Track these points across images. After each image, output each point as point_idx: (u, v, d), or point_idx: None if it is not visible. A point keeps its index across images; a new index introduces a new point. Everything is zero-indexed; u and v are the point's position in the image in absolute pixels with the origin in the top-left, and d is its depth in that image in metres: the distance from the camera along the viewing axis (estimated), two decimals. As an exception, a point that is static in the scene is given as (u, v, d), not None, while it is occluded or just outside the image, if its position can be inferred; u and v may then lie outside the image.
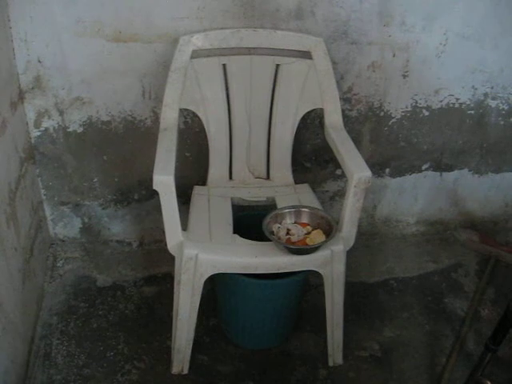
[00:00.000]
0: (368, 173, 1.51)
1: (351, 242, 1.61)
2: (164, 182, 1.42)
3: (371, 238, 2.30)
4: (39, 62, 1.75)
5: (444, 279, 2.12)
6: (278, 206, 1.70)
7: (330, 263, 1.54)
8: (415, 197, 2.27)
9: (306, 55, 1.76)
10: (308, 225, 1.59)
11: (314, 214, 1.60)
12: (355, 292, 2.02)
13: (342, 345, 1.72)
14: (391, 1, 1.80)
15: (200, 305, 1.59)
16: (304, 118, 1.87)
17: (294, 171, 1.90)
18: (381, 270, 2.15)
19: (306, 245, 1.51)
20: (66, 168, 1.97)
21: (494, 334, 1.23)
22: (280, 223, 1.58)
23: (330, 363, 1.74)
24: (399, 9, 1.82)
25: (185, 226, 1.60)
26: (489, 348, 1.25)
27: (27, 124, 1.85)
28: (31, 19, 1.68)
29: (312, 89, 1.79)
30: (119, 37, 1.75)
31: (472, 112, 2.08)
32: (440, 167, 2.20)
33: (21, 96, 1.78)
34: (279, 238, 1.53)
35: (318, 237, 1.53)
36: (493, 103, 2.08)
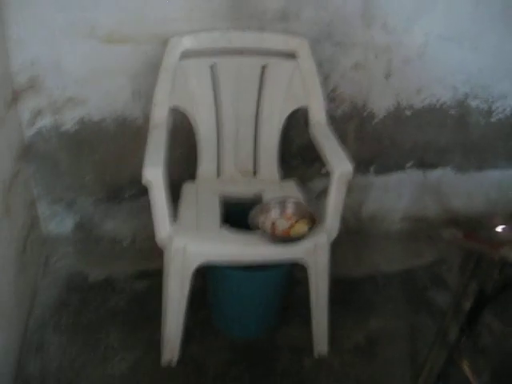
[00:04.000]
0: (350, 166, 1.56)
1: (334, 234, 1.66)
2: (153, 173, 1.46)
3: (358, 234, 2.35)
4: (33, 63, 1.80)
5: (428, 274, 2.18)
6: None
7: (313, 254, 1.60)
8: (400, 194, 2.33)
9: (291, 56, 1.83)
10: (292, 217, 1.64)
11: (298, 207, 1.66)
12: (341, 286, 2.06)
13: (326, 335, 1.76)
14: (373, 4, 1.88)
15: (191, 298, 1.64)
16: (290, 118, 1.93)
17: (281, 170, 1.95)
18: (367, 265, 2.21)
19: (289, 235, 1.57)
20: (58, 167, 2.02)
21: (468, 318, 1.29)
22: (266, 216, 1.63)
23: (316, 354, 1.78)
24: (381, 11, 1.90)
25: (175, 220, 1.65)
26: (464, 331, 1.31)
27: (20, 124, 1.90)
28: (26, 21, 1.74)
29: (297, 88, 1.85)
30: (111, 38, 1.81)
31: (453, 112, 2.15)
32: (423, 165, 2.27)
33: (15, 96, 1.83)
34: (264, 230, 1.58)
35: (301, 228, 1.59)
36: (473, 103, 2.15)
